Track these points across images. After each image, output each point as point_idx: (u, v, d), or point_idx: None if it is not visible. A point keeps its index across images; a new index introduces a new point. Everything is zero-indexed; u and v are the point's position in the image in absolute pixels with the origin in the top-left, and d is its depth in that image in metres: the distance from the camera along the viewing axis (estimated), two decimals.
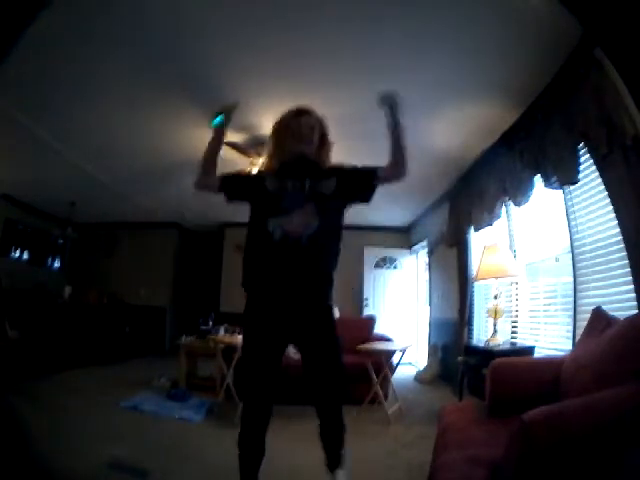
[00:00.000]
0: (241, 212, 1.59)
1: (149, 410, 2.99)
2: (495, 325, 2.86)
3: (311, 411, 1.50)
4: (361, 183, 1.50)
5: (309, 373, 1.45)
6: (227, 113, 1.60)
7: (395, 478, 2.00)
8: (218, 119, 1.61)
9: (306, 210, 1.38)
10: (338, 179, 1.47)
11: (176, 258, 6.76)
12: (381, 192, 1.52)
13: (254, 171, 3.31)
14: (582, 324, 1.87)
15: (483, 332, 3.63)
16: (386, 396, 3.25)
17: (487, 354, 2.54)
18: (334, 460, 1.49)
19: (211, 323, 4.16)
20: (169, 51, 2.26)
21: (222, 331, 3.70)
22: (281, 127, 1.54)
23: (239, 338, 3.22)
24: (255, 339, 1.40)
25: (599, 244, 2.16)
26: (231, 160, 3.44)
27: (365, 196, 1.51)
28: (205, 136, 3.22)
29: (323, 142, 1.54)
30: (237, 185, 1.57)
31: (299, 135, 1.48)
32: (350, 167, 1.52)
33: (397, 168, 1.47)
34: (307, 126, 1.49)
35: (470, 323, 3.85)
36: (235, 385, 3.05)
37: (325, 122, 1.56)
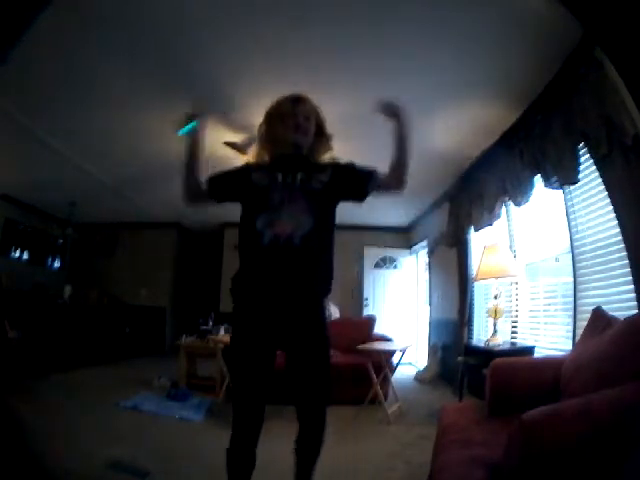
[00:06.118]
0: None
1: (149, 410, 2.99)
2: (495, 325, 2.87)
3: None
4: (355, 183, 1.39)
5: (296, 375, 1.33)
6: (202, 120, 1.37)
7: (395, 478, 2.00)
8: (191, 125, 1.33)
9: (298, 207, 1.26)
10: (332, 174, 1.35)
11: (176, 258, 6.75)
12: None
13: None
14: (582, 324, 1.87)
15: (483, 332, 3.63)
16: (386, 396, 3.25)
17: (487, 354, 2.55)
18: (305, 476, 1.38)
19: (211, 323, 4.17)
20: (169, 51, 2.26)
21: (222, 331, 3.70)
22: (274, 115, 1.39)
23: None
24: (246, 348, 1.28)
25: (599, 244, 2.16)
26: (231, 160, 3.45)
27: (359, 196, 1.40)
28: (204, 135, 3.28)
29: (320, 133, 1.42)
30: (223, 184, 1.39)
31: (294, 125, 1.34)
32: (347, 163, 1.40)
33: (395, 183, 1.37)
34: (303, 115, 1.36)
35: (470, 323, 3.85)
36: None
37: (321, 112, 1.42)
